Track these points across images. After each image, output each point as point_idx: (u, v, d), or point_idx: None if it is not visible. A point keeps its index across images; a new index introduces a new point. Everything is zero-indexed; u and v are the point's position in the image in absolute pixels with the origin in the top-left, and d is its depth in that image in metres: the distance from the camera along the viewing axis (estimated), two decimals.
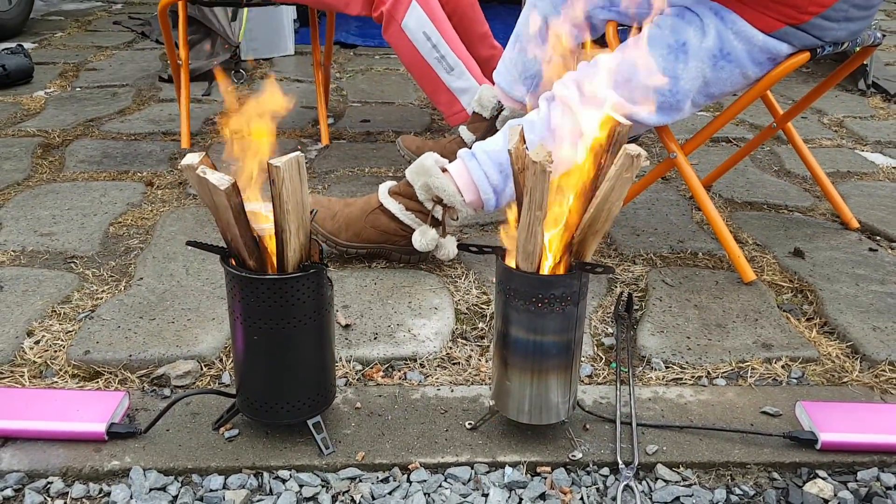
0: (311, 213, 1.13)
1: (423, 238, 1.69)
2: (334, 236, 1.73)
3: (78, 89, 3.25)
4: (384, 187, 1.75)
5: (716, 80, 1.60)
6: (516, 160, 1.10)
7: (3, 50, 3.33)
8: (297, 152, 1.07)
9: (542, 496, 1.13)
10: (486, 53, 2.38)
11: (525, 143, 1.13)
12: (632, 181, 1.07)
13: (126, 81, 3.39)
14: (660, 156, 2.57)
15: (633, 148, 1.03)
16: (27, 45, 3.89)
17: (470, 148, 1.73)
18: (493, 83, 2.18)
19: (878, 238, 2.00)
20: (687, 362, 1.45)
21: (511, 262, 1.14)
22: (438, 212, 1.70)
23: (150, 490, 1.11)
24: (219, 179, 1.04)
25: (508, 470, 1.16)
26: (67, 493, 1.11)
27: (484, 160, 1.66)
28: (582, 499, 1.13)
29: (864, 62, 3.40)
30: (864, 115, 3.16)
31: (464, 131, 2.17)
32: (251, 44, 3.75)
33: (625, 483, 1.14)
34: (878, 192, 2.32)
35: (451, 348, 1.47)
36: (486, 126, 2.13)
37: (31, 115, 2.86)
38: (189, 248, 1.80)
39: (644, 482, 1.16)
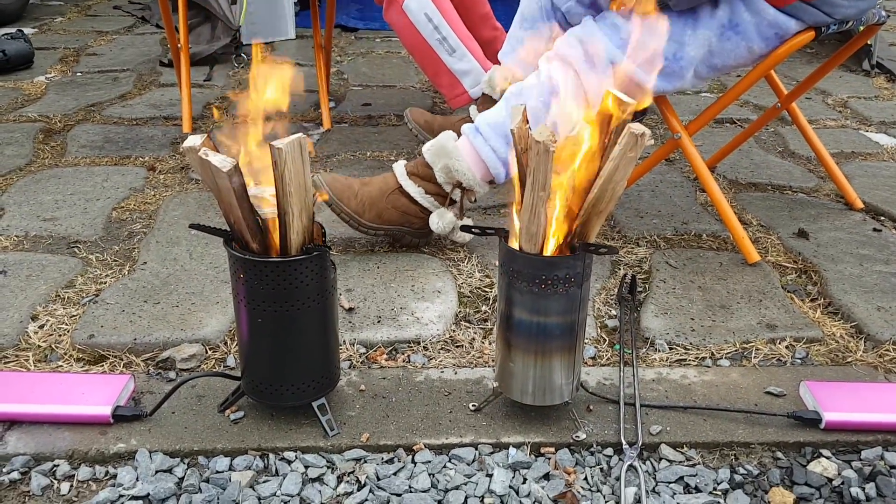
0: (314, 195, 1.12)
1: (441, 221, 1.69)
2: (358, 216, 1.71)
3: (79, 74, 3.24)
4: (401, 167, 1.73)
5: (721, 50, 1.58)
6: (519, 140, 1.10)
7: (3, 35, 3.32)
8: (300, 134, 1.06)
9: (546, 476, 1.13)
10: (488, 35, 2.36)
11: (528, 122, 1.12)
12: (636, 161, 1.06)
13: (127, 66, 3.37)
14: (663, 137, 2.56)
15: (637, 127, 1.02)
16: (27, 31, 3.87)
17: None
18: (499, 64, 2.16)
19: (882, 218, 1.99)
20: (691, 343, 1.45)
21: (514, 243, 1.14)
22: (457, 194, 1.70)
23: (157, 472, 1.12)
24: (221, 161, 1.03)
25: (512, 451, 1.17)
26: (74, 475, 1.12)
27: (489, 134, 1.65)
28: (586, 479, 1.13)
29: (868, 42, 3.38)
30: (869, 96, 3.14)
31: (474, 113, 2.15)
32: (252, 27, 3.73)
33: (629, 463, 1.15)
34: (882, 172, 2.31)
35: (454, 331, 1.47)
36: None
37: (32, 101, 2.85)
38: (192, 232, 1.81)
39: (648, 462, 1.16)
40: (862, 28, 1.84)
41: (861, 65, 3.50)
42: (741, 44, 1.59)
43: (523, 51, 2.04)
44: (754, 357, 1.41)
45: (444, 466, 1.14)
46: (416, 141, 2.51)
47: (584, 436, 1.20)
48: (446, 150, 1.66)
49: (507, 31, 2.39)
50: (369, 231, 1.73)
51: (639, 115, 2.29)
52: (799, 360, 1.41)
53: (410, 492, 1.10)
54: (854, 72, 3.49)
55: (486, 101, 2.14)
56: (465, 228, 1.20)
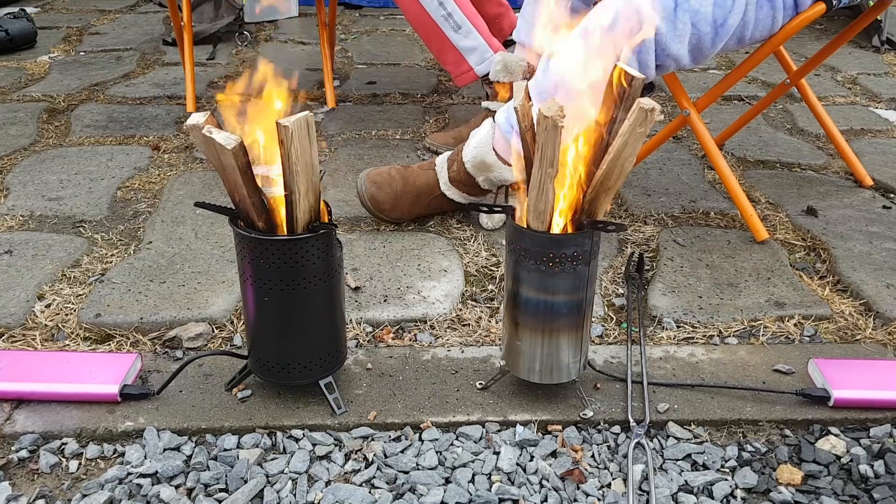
0: (321, 173, 1.12)
1: (491, 221, 1.76)
2: (399, 221, 1.79)
3: (82, 53, 3.22)
4: (444, 174, 1.74)
5: (754, 20, 1.53)
6: (523, 118, 1.08)
7: (5, 14, 3.30)
8: (307, 112, 1.05)
9: (554, 454, 1.13)
10: (493, 11, 2.34)
11: (531, 99, 1.11)
12: (645, 136, 1.05)
13: (130, 45, 3.35)
14: (671, 114, 2.54)
15: (646, 102, 1.01)
16: (30, 10, 3.85)
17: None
18: (502, 43, 2.14)
19: (891, 195, 1.97)
20: (699, 321, 1.44)
21: (521, 221, 1.13)
22: (503, 190, 1.75)
23: (165, 450, 1.12)
24: (225, 139, 1.02)
25: (519, 428, 1.17)
26: (82, 453, 1.12)
27: None
28: (593, 456, 1.13)
29: (879, 18, 3.34)
30: (878, 72, 3.11)
31: (492, 105, 2.12)
32: (255, 5, 3.70)
33: (636, 441, 1.14)
34: (891, 149, 2.29)
35: (460, 310, 1.47)
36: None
37: (36, 80, 2.84)
38: (198, 211, 1.80)
39: (655, 440, 1.16)
40: (872, 3, 1.81)
41: (871, 41, 3.46)
42: (769, 13, 1.54)
43: (539, 29, 1.99)
44: (762, 335, 1.40)
45: (452, 444, 1.15)
46: (421, 120, 2.50)
47: (591, 414, 1.19)
48: (487, 164, 1.68)
49: (512, 8, 2.37)
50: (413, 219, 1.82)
51: (646, 91, 2.27)
52: (807, 338, 1.40)
53: (418, 469, 1.10)
54: (864, 48, 3.45)
55: (500, 87, 2.11)
56: (472, 207, 1.19)
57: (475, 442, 1.15)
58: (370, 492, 1.06)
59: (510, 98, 2.07)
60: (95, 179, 2.01)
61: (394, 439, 1.15)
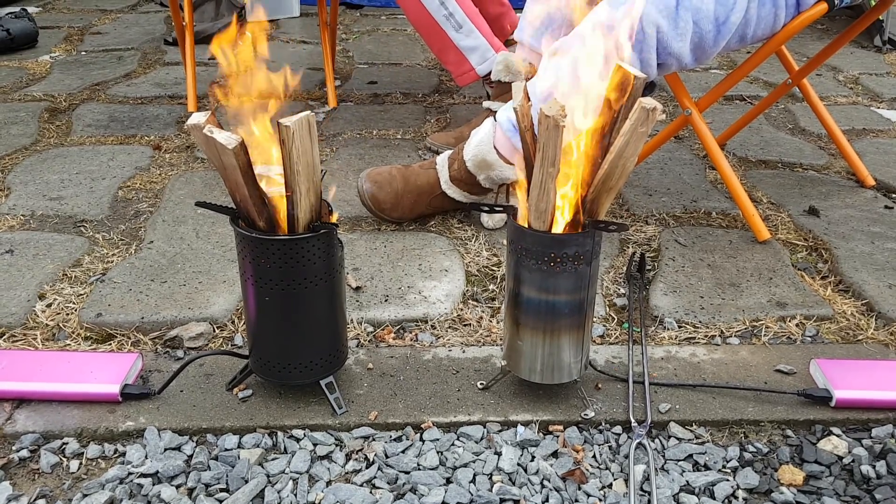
0: (322, 172, 1.12)
1: (492, 220, 1.76)
2: (400, 220, 1.79)
3: (83, 53, 3.22)
4: (445, 173, 1.74)
5: (755, 18, 1.53)
6: (522, 118, 1.08)
7: (7, 14, 3.30)
8: (308, 112, 1.05)
9: (555, 454, 1.13)
10: (494, 10, 2.33)
11: (529, 100, 1.10)
12: (647, 136, 1.05)
13: (131, 45, 3.36)
14: (673, 114, 2.54)
15: (648, 101, 1.01)
16: (31, 9, 3.85)
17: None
18: (504, 42, 2.13)
19: (893, 196, 1.97)
20: (700, 321, 1.44)
21: (523, 220, 1.13)
22: (503, 189, 1.75)
23: (166, 450, 1.12)
24: (226, 138, 1.02)
25: (521, 429, 1.17)
26: (83, 453, 1.12)
27: None
28: (594, 457, 1.13)
29: (880, 18, 3.34)
30: (880, 72, 3.11)
31: (494, 105, 2.12)
32: (256, 5, 3.69)
33: (637, 441, 1.14)
34: (893, 149, 2.29)
35: (461, 310, 1.47)
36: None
37: (37, 80, 2.84)
38: (199, 211, 1.80)
39: (657, 440, 1.16)
40: (874, 2, 1.81)
41: (873, 41, 3.46)
42: (771, 11, 1.54)
43: (540, 23, 1.98)
44: (764, 335, 1.40)
45: (453, 444, 1.14)
46: (422, 120, 2.50)
47: (592, 414, 1.19)
48: (488, 162, 1.68)
49: (514, 8, 2.37)
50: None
51: (647, 91, 2.26)
52: (809, 338, 1.40)
53: (419, 469, 1.10)
54: (865, 48, 3.44)
55: (501, 87, 2.11)
56: (474, 206, 1.19)
57: (476, 442, 1.15)
58: (371, 492, 1.06)
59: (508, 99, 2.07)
60: (96, 179, 2.01)
61: (395, 439, 1.15)
